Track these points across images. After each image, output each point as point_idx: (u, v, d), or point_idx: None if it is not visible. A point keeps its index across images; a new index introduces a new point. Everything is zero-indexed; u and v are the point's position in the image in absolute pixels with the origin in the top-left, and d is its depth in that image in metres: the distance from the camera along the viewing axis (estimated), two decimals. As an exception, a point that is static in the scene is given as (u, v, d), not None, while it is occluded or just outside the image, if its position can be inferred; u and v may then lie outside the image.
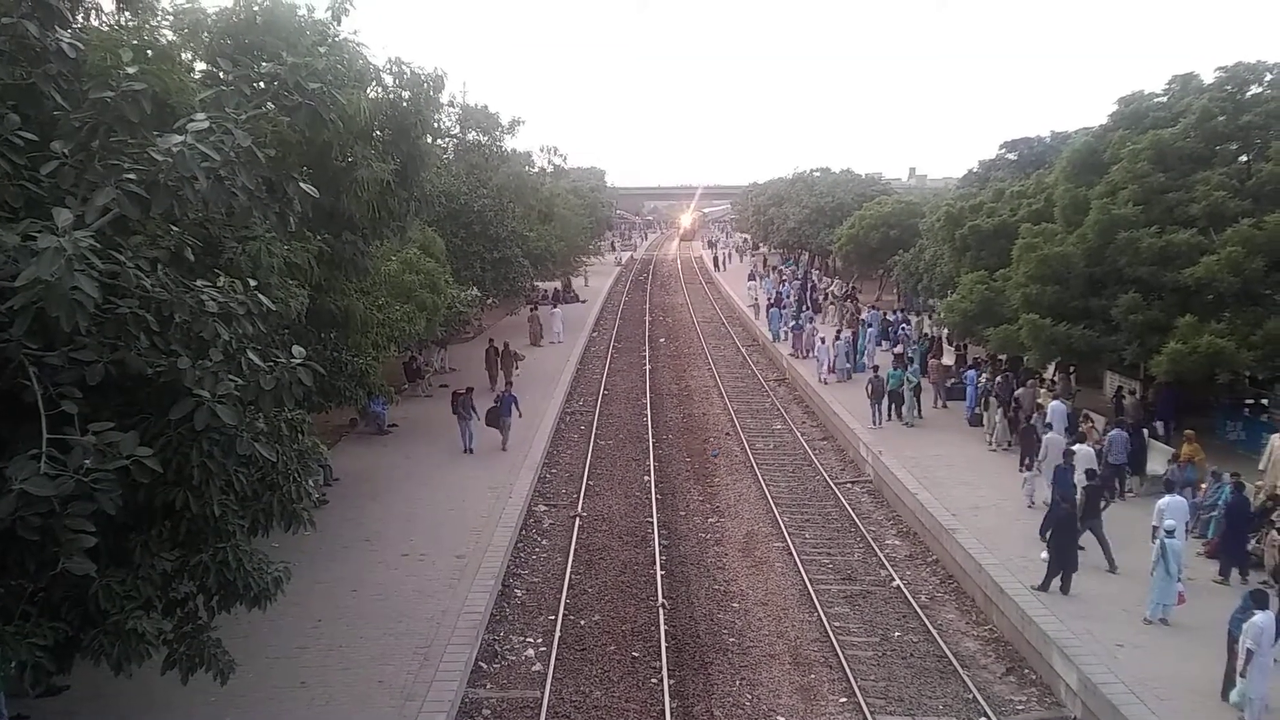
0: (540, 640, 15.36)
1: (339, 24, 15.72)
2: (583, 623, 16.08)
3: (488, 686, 13.88)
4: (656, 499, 22.24)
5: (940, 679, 14.19)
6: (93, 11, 10.90)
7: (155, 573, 8.77)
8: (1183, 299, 21.67)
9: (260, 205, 9.17)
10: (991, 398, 25.28)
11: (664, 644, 15.06)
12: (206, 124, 7.82)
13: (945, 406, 28.56)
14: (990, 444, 24.36)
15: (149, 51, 10.13)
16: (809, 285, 54.81)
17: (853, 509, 21.48)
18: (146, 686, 11.02)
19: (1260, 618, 11.60)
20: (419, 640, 14.08)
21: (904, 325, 39.10)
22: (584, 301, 56.88)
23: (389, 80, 17.76)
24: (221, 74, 11.21)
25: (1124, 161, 23.88)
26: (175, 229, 8.65)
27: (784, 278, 59.16)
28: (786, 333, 39.57)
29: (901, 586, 17.34)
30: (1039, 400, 24.02)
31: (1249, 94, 23.99)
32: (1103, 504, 17.22)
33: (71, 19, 8.86)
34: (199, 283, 8.09)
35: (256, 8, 14.93)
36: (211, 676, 9.54)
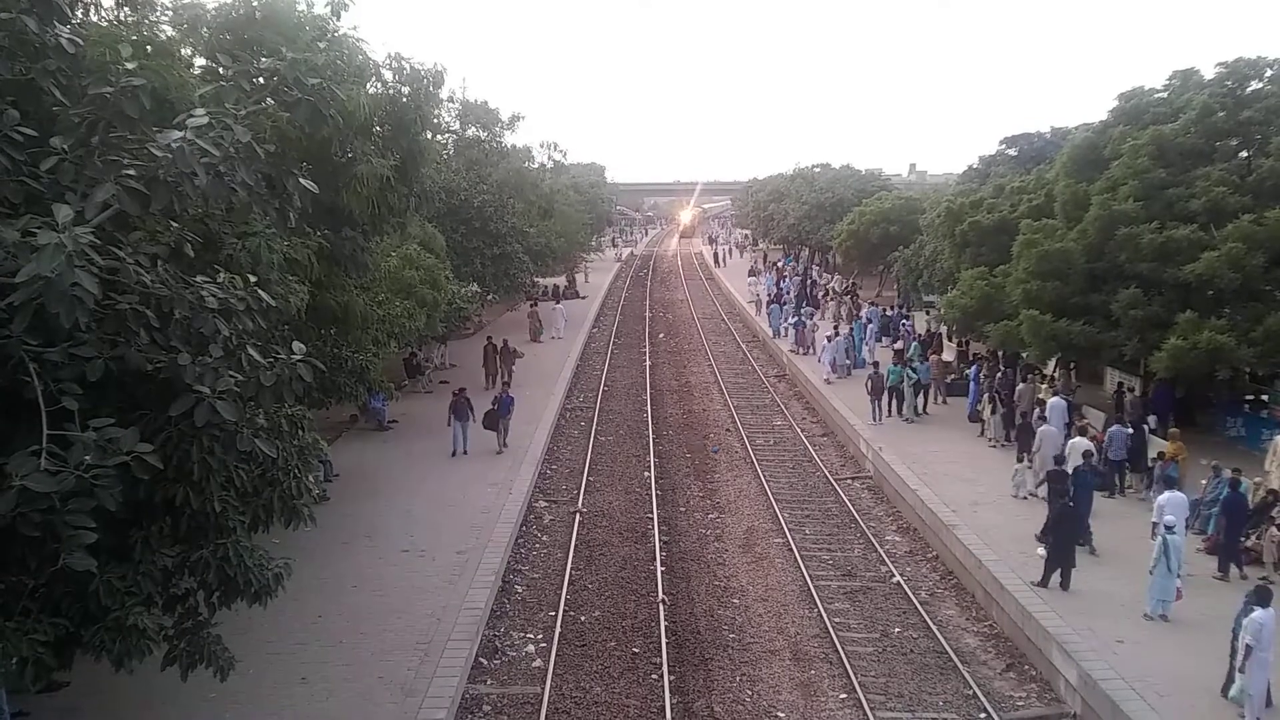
0: (541, 636, 15.38)
1: (338, 19, 15.69)
2: (583, 619, 16.09)
3: (488, 682, 13.89)
4: (657, 495, 22.25)
5: (940, 675, 14.20)
6: (92, 7, 10.92)
7: (156, 569, 8.78)
8: (1183, 295, 21.68)
9: (260, 201, 9.14)
10: (986, 396, 25.33)
11: (664, 640, 15.07)
12: (206, 119, 7.80)
13: (945, 402, 28.58)
14: (989, 440, 24.37)
15: (148, 47, 10.14)
16: (809, 281, 54.81)
17: (853, 505, 21.49)
18: (147, 682, 11.01)
19: (1260, 614, 11.62)
20: (419, 636, 14.09)
21: (904, 321, 39.11)
22: (584, 298, 56.86)
23: (388, 76, 17.73)
24: (221, 69, 11.17)
25: (1124, 157, 23.88)
26: (175, 225, 8.64)
27: (784, 274, 59.13)
28: (787, 329, 39.57)
29: (901, 582, 17.35)
30: (1040, 396, 24.02)
31: (1249, 90, 24.00)
32: (1069, 488, 17.50)
33: (71, 14, 8.83)
34: (199, 279, 8.07)
35: (256, 3, 14.92)
36: (211, 673, 9.53)
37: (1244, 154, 23.86)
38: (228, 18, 14.81)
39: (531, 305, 43.43)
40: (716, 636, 15.52)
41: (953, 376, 29.70)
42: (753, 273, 59.35)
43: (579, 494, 22.33)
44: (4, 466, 6.77)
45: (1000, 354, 29.06)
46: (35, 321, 6.67)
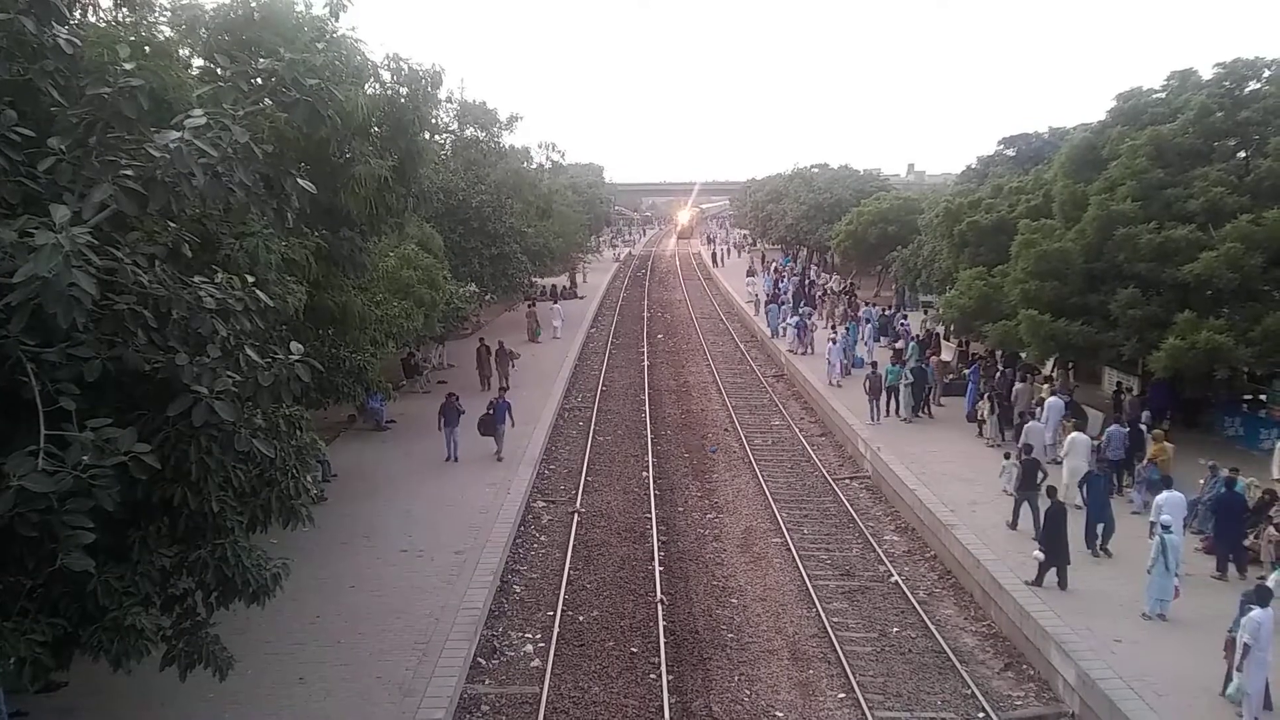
0: (539, 636, 15.38)
1: (337, 20, 15.68)
2: (581, 619, 16.09)
3: (486, 682, 13.90)
4: (655, 495, 22.26)
5: (938, 674, 14.21)
6: (90, 7, 10.91)
7: (154, 569, 8.78)
8: (1181, 295, 21.70)
9: (258, 201, 9.14)
10: (983, 397, 25.35)
11: (663, 640, 15.07)
12: (204, 120, 7.80)
13: (940, 404, 28.56)
14: (987, 440, 24.39)
15: (146, 47, 10.14)
16: (807, 281, 54.82)
17: (851, 505, 21.50)
18: (145, 683, 11.02)
19: (1258, 613, 11.63)
20: (417, 636, 14.10)
21: (903, 320, 39.13)
22: (582, 298, 56.88)
23: (387, 76, 17.73)
24: (219, 70, 11.20)
25: (1123, 157, 23.89)
26: (173, 225, 8.64)
27: (781, 274, 59.12)
28: (785, 328, 39.57)
29: (900, 582, 17.36)
30: (1041, 395, 24.04)
31: (1247, 90, 24.03)
32: (1039, 478, 17.84)
33: (69, 15, 8.82)
34: (196, 279, 8.08)
35: (254, 4, 14.91)
36: (210, 673, 9.55)
37: (1242, 154, 23.88)
38: (226, 18, 14.80)
39: (529, 305, 43.44)
40: (715, 636, 15.53)
41: (951, 376, 29.71)
42: (750, 273, 59.34)
43: (577, 494, 22.33)
44: (2, 467, 6.77)
45: (999, 354, 29.08)
46: (33, 322, 6.67)
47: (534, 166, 48.27)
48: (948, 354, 32.90)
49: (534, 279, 49.90)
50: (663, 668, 14.19)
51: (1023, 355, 26.90)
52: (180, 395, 7.76)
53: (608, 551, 19.05)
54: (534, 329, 41.23)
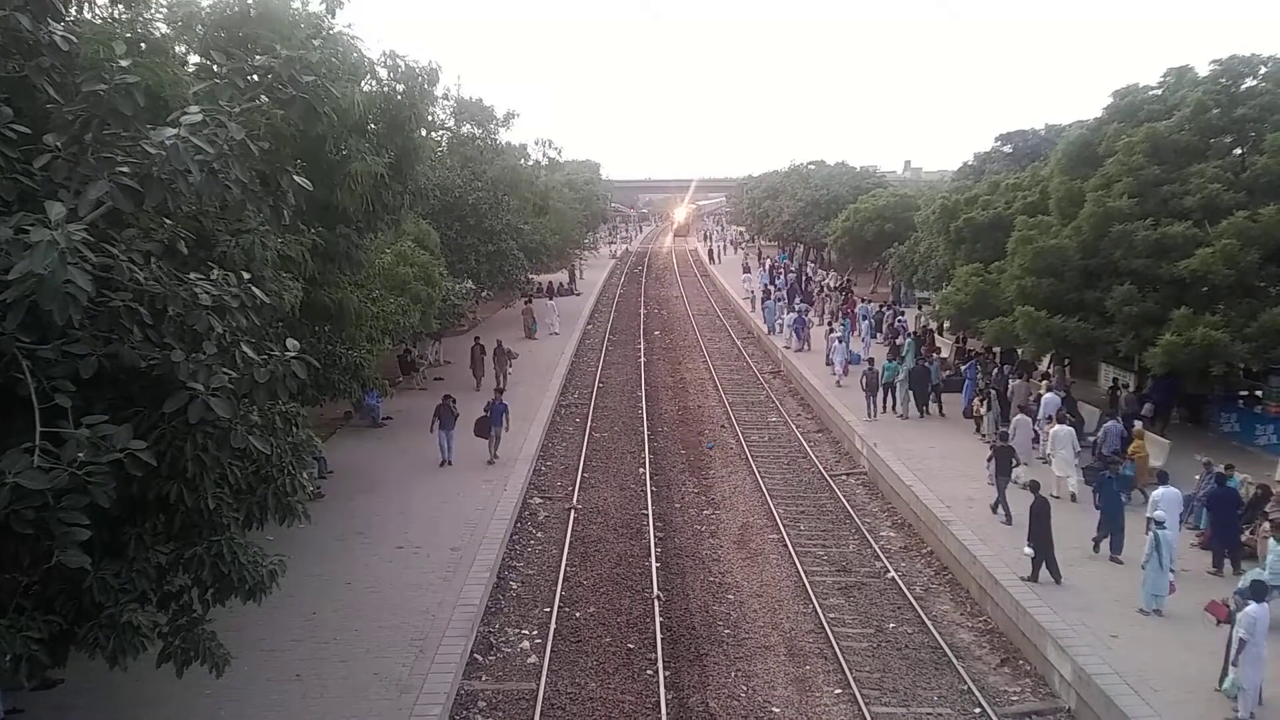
0: (536, 632, 15.39)
1: (333, 17, 15.71)
2: (578, 615, 16.11)
3: (483, 679, 13.91)
4: (652, 491, 22.27)
5: (935, 670, 14.25)
6: (86, 4, 10.85)
7: (150, 566, 8.77)
8: (1178, 291, 21.73)
9: (254, 198, 9.14)
10: (980, 394, 25.37)
11: (659, 636, 15.09)
12: (200, 117, 7.80)
13: (937, 401, 28.55)
14: (984, 436, 24.41)
15: (142, 44, 10.14)
16: (804, 278, 54.83)
17: (848, 501, 21.53)
18: (141, 680, 11.04)
19: (1254, 608, 11.68)
20: (414, 633, 14.10)
21: (900, 317, 39.15)
22: (579, 294, 56.85)
23: (383, 73, 17.72)
24: (215, 67, 11.18)
25: (1119, 154, 23.92)
26: (168, 222, 8.64)
27: (777, 271, 59.11)
28: (781, 324, 39.57)
29: (896, 578, 17.39)
30: (1039, 392, 24.06)
31: (1244, 87, 24.05)
32: (1013, 464, 18.24)
33: (65, 12, 8.81)
34: (192, 276, 8.08)
35: (250, 0, 14.88)
36: (207, 669, 9.55)
37: (1238, 151, 23.92)
38: (222, 15, 14.78)
39: (526, 302, 43.40)
40: (711, 632, 15.55)
41: (948, 373, 29.72)
42: (748, 269, 59.35)
43: (574, 490, 22.34)
44: (-2, 464, 6.77)
45: (995, 350, 29.11)
46: (28, 318, 6.67)
47: (530, 163, 48.34)
48: (943, 350, 32.92)
49: (530, 275, 49.86)
50: (659, 664, 14.22)
51: (1019, 351, 26.93)
52: (176, 392, 7.75)
53: (604, 548, 19.07)
54: (530, 326, 41.20)
